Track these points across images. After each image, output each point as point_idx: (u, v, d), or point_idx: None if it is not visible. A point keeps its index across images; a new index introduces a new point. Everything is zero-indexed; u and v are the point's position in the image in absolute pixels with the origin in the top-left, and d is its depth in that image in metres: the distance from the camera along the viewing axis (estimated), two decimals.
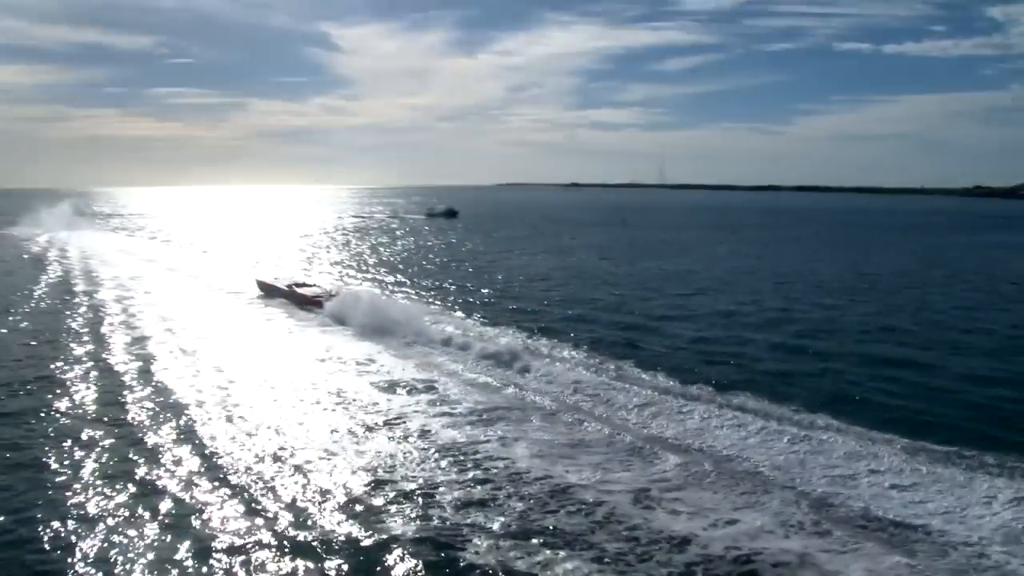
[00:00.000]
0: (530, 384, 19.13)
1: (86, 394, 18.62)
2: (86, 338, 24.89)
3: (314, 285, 33.54)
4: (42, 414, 17.02)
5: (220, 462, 14.20)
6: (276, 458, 14.37)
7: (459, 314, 30.46)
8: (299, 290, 31.86)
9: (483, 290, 37.84)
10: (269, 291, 33.83)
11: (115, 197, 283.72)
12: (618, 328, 27.69)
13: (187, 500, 12.62)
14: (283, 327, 27.26)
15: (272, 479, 13.43)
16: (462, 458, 14.27)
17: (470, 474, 13.54)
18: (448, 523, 11.68)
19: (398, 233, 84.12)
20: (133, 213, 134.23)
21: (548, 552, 10.77)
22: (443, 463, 14.07)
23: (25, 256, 53.26)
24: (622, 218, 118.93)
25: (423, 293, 36.97)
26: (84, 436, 15.52)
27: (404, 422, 16.39)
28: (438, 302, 33.76)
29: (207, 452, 14.68)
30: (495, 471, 13.64)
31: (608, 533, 11.32)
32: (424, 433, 15.65)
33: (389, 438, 15.47)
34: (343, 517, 11.99)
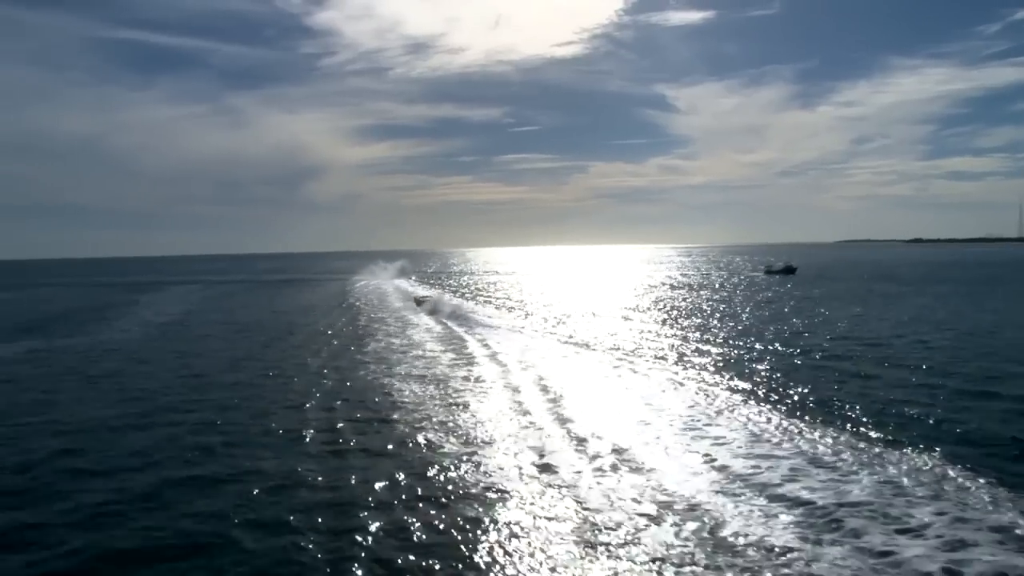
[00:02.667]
0: None
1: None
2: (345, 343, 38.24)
3: (427, 296, 64.03)
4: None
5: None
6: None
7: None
8: (419, 297, 63.41)
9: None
10: (418, 302, 60.70)
11: (455, 256, 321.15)
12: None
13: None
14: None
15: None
16: None
17: None
18: None
19: (724, 290, 78.94)
20: (450, 270, 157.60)
21: None
22: None
23: (336, 294, 77.27)
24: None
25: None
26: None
27: None
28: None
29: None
30: None
31: None
32: None
33: None
34: None
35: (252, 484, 15.77)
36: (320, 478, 16.13)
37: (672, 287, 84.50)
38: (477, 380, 26.79)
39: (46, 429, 21.20)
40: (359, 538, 12.91)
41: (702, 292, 74.90)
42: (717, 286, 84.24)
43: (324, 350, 36.15)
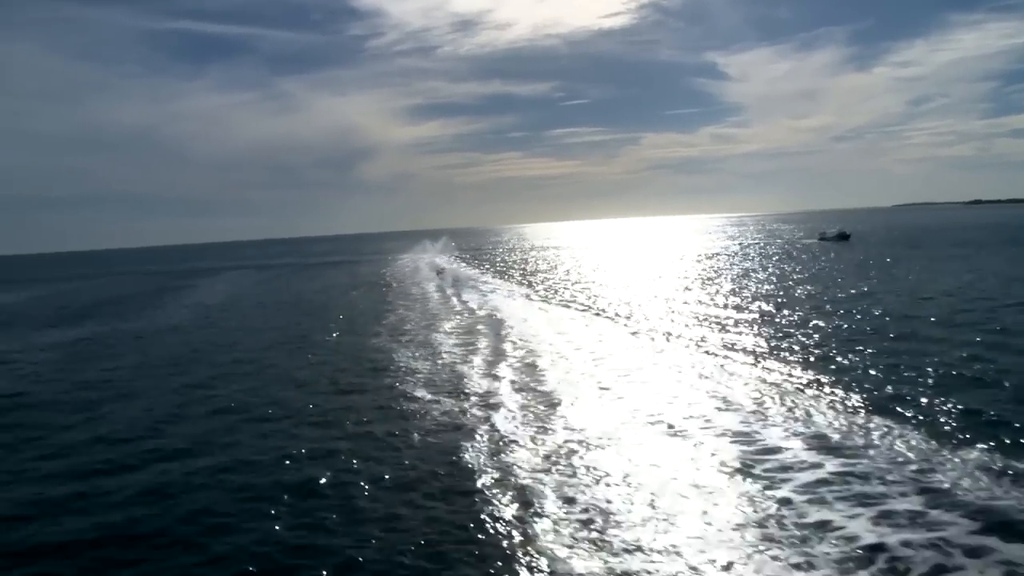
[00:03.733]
0: None
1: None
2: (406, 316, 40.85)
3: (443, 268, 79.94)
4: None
5: None
6: None
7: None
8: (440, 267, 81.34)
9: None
10: (438, 272, 74.21)
11: (507, 233, 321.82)
12: None
13: None
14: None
15: None
16: None
17: None
18: None
19: (774, 257, 77.58)
20: (492, 246, 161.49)
21: None
22: None
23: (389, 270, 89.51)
24: None
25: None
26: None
27: None
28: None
29: None
30: None
31: None
32: None
33: None
34: None
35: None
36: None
37: (719, 256, 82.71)
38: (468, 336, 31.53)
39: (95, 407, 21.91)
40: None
41: (753, 261, 73.03)
42: (770, 255, 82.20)
43: (345, 321, 37.97)
